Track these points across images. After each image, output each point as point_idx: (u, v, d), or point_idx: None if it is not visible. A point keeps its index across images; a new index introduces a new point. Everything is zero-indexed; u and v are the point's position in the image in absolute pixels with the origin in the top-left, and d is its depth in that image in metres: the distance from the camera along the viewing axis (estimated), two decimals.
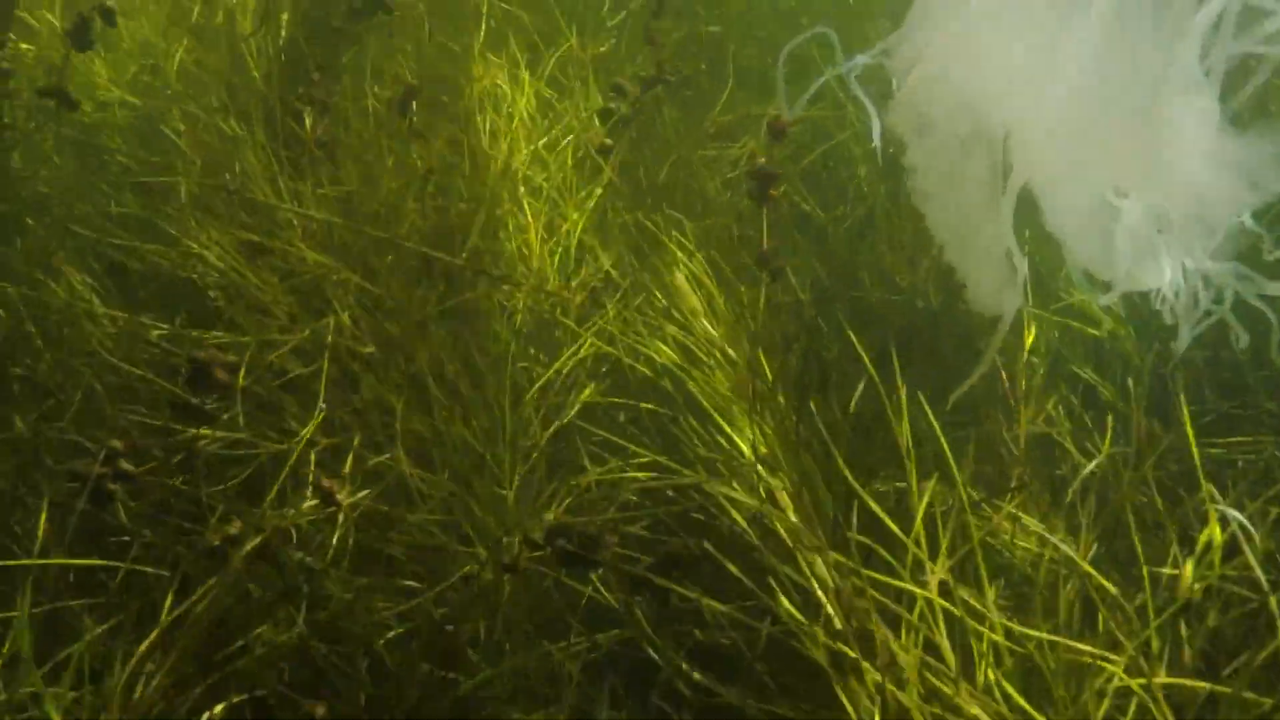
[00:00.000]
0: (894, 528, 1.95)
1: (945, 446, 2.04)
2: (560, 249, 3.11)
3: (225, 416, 2.46)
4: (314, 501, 2.23)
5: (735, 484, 2.50)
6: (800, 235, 3.52)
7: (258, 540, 2.04)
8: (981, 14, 2.32)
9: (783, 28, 4.42)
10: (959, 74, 2.35)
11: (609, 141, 3.27)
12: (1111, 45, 2.23)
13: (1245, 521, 1.80)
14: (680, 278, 2.66)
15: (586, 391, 3.09)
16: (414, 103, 3.17)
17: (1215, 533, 1.83)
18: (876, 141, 2.60)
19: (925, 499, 1.96)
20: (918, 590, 1.86)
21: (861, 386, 2.62)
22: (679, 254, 2.70)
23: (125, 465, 2.23)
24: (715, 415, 2.74)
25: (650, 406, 2.96)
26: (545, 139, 3.23)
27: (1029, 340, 3.19)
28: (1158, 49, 2.22)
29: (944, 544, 1.91)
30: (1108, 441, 2.35)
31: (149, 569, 2.25)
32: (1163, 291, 2.42)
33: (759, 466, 2.38)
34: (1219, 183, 2.31)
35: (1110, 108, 2.26)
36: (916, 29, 2.43)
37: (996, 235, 2.45)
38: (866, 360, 2.55)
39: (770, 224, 2.83)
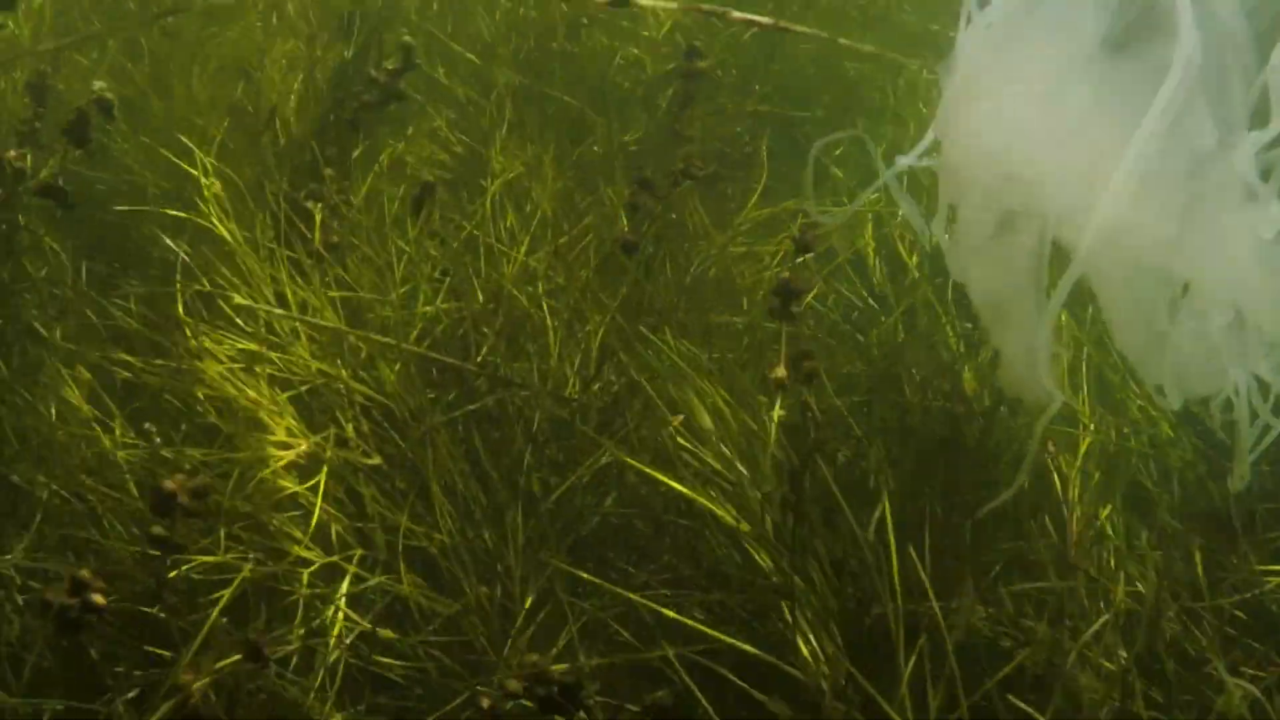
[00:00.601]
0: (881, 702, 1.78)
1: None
2: (581, 352, 2.98)
3: (206, 540, 2.36)
4: (234, 658, 2.09)
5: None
6: (847, 327, 3.37)
7: (171, 703, 1.91)
8: (1028, 95, 2.18)
9: (832, 109, 4.30)
10: (1000, 147, 2.20)
11: (635, 238, 3.14)
12: (1171, 144, 2.09)
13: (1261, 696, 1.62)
14: (692, 395, 2.52)
15: (609, 501, 2.95)
16: (431, 199, 3.07)
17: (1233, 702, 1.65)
18: (925, 236, 2.47)
19: (912, 662, 1.79)
20: None
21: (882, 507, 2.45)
22: (688, 369, 2.56)
23: (95, 596, 2.12)
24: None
25: (672, 519, 2.83)
26: (566, 237, 3.11)
27: (1084, 446, 3.02)
28: (1216, 156, 2.08)
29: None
30: (1120, 592, 2.16)
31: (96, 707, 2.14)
32: (1218, 402, 2.28)
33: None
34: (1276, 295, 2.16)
35: (1167, 207, 2.12)
36: (959, 97, 2.29)
37: (1033, 320, 2.32)
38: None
39: (799, 332, 2.68)
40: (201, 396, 2.57)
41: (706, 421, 2.52)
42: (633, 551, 2.96)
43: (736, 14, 2.78)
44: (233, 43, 4.24)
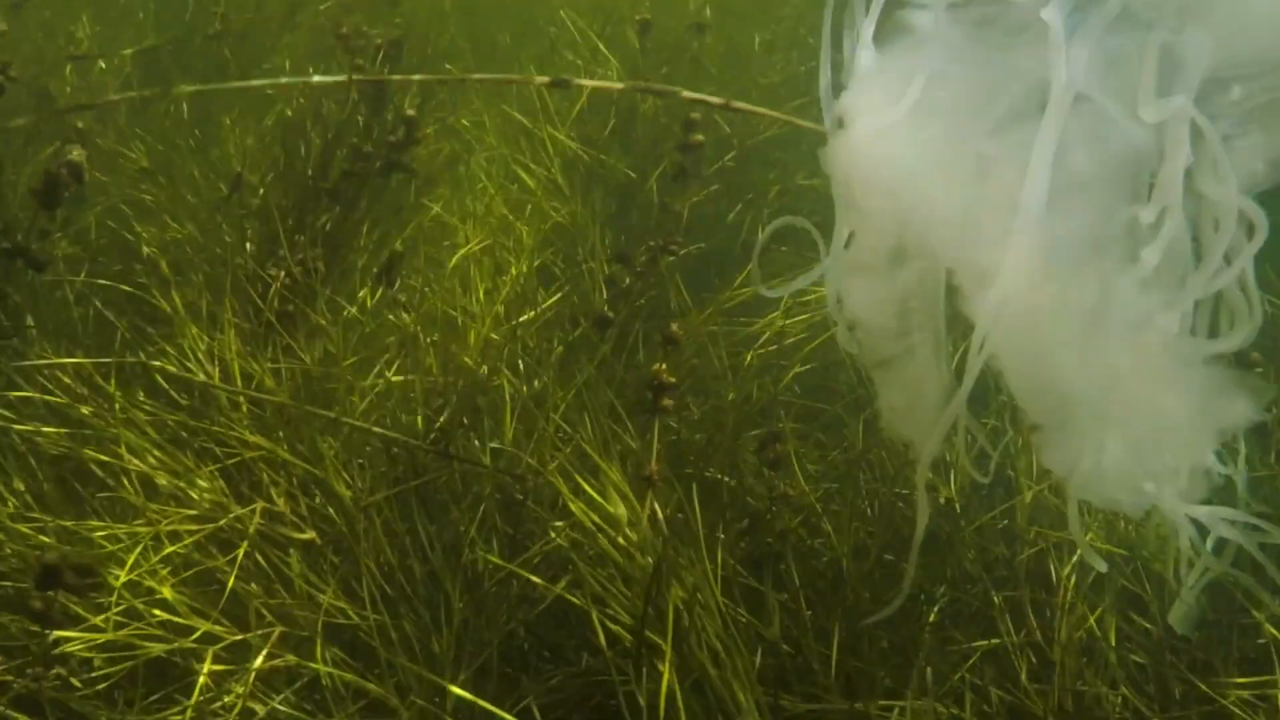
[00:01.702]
0: None
1: None
2: (540, 427, 2.91)
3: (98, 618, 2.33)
4: None
5: None
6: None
7: None
8: (930, 141, 2.08)
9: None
10: (887, 178, 2.10)
11: (609, 314, 3.07)
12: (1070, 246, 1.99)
13: None
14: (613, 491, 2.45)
15: (560, 585, 2.87)
16: (397, 271, 3.04)
17: None
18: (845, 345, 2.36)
19: None
20: None
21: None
22: (604, 466, 2.48)
23: None
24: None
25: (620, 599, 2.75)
26: (532, 313, 3.05)
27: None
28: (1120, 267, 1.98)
29: None
30: None
31: None
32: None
33: None
34: (1180, 417, 2.04)
35: (1069, 310, 2.01)
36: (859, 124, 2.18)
37: (919, 368, 2.23)
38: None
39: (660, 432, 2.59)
40: (117, 469, 2.56)
41: (620, 509, 2.45)
42: (587, 636, 2.89)
43: (687, 94, 2.71)
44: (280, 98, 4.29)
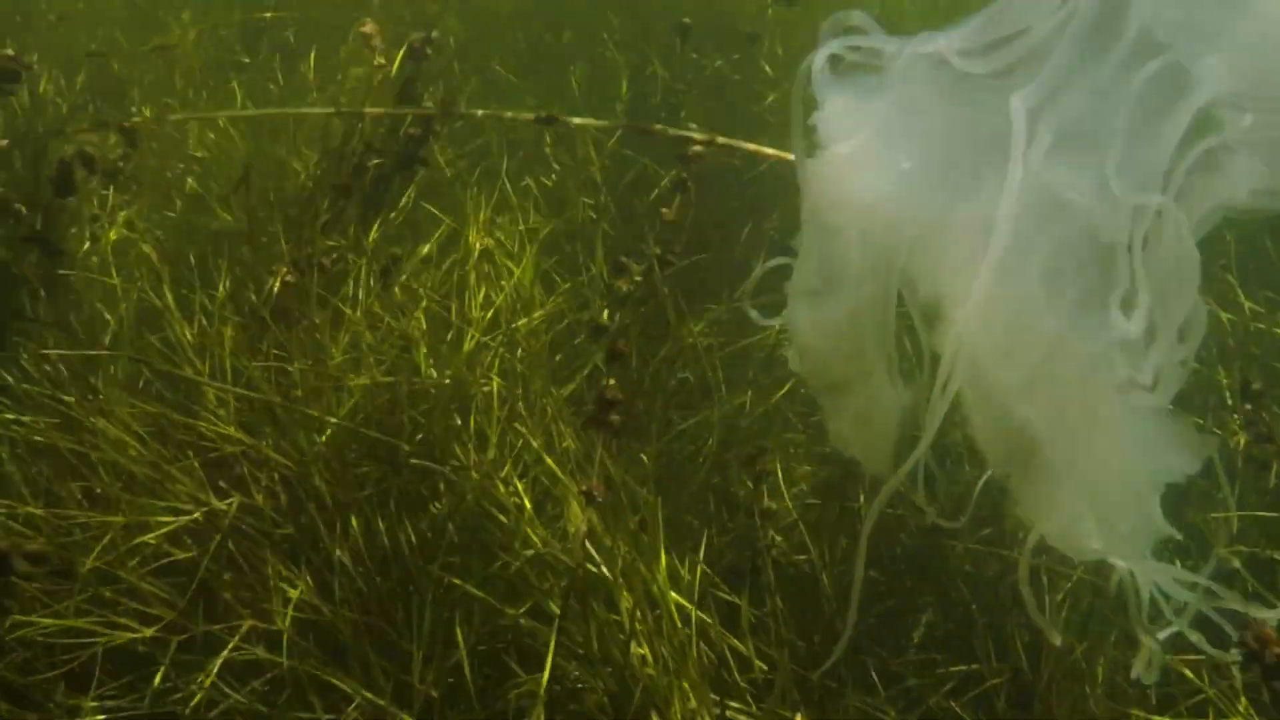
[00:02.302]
0: None
1: None
2: (524, 437, 2.92)
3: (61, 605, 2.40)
4: None
5: None
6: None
7: None
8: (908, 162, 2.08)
9: None
10: (856, 203, 2.10)
11: (604, 323, 3.08)
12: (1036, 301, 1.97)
13: None
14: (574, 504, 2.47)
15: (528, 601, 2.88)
16: (395, 273, 3.08)
17: None
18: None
19: None
20: None
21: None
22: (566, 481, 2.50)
23: None
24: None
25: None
26: (526, 320, 3.07)
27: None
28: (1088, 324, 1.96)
29: None
30: None
31: None
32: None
33: None
34: (1129, 470, 2.01)
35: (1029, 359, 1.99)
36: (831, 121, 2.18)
37: (873, 391, 2.22)
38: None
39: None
40: (94, 460, 2.62)
41: (579, 521, 2.47)
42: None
43: (672, 130, 2.72)
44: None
